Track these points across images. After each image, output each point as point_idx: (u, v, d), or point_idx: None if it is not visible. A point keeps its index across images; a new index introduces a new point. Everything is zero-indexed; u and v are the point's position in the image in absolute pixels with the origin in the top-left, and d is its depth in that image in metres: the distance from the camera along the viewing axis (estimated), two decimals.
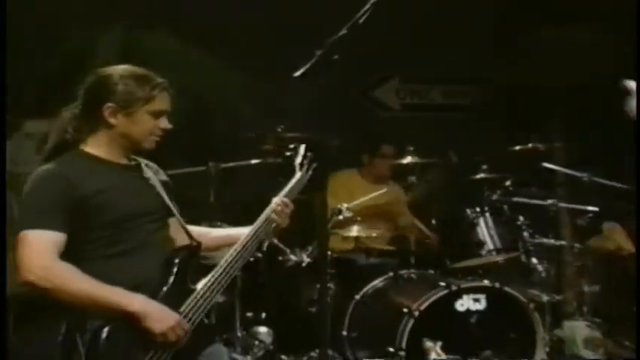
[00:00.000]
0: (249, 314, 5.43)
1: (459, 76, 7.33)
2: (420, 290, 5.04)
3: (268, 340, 5.27)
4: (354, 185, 5.91)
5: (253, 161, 5.33)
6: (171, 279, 2.95)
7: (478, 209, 5.47)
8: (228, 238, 3.30)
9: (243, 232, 3.20)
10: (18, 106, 4.68)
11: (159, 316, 2.81)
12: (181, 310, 2.90)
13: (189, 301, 2.92)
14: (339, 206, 5.29)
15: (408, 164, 5.63)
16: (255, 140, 5.30)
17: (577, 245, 5.90)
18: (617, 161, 5.88)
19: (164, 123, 3.02)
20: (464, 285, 5.01)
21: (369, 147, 6.11)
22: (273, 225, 3.25)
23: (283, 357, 5.32)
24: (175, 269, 2.97)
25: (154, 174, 3.14)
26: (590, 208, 5.73)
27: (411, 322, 4.78)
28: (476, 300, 4.98)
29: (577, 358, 5.45)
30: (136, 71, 3.01)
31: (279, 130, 5.03)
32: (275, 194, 3.57)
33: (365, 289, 5.36)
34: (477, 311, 4.97)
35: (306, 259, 5.38)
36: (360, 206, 5.49)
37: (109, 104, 2.92)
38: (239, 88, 6.11)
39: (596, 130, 6.51)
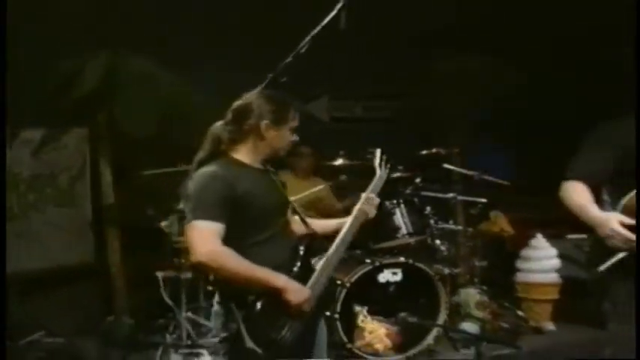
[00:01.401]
0: (210, 288, 5.30)
1: (377, 94, 7.33)
2: (350, 266, 5.14)
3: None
4: (290, 183, 6.01)
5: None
6: (299, 261, 3.08)
7: (395, 201, 5.51)
8: (334, 226, 3.34)
9: (344, 221, 3.31)
10: (16, 117, 4.71)
11: (297, 291, 2.95)
12: (308, 285, 3.03)
13: (312, 279, 3.06)
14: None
15: (339, 165, 5.69)
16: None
17: (470, 229, 6.14)
18: (500, 162, 6.29)
19: (295, 137, 3.20)
20: (384, 261, 5.16)
21: (299, 152, 5.98)
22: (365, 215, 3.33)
23: None
24: (301, 253, 3.10)
25: (275, 176, 3.25)
26: (480, 199, 5.96)
27: (344, 291, 4.94)
28: (394, 273, 5.17)
29: (470, 317, 5.58)
30: (278, 96, 3.19)
31: None
32: None
33: None
34: (395, 282, 5.18)
35: None
36: (303, 200, 5.54)
37: (266, 121, 3.08)
38: (210, 102, 6.13)
39: (485, 136, 6.90)
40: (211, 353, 4.87)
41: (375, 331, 4.97)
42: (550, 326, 5.87)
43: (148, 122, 5.25)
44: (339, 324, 4.90)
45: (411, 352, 5.07)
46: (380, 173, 3.51)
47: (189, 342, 5.06)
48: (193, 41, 5.75)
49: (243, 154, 3.12)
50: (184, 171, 5.05)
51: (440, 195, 5.92)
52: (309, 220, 3.31)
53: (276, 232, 3.10)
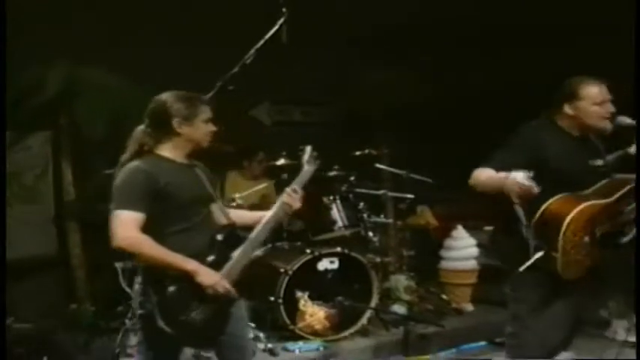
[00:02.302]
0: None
1: (314, 100, 7.38)
2: (292, 256, 5.18)
3: None
4: (236, 182, 5.94)
5: None
6: (216, 250, 3.10)
7: (332, 197, 5.55)
8: (255, 218, 3.31)
9: (265, 214, 3.28)
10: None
11: (207, 274, 2.99)
12: (223, 271, 3.07)
13: (228, 265, 3.10)
14: (232, 196, 5.37)
15: (281, 165, 5.68)
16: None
17: (399, 222, 6.18)
18: (426, 162, 6.25)
19: (212, 127, 3.16)
20: (323, 251, 5.18)
21: (248, 154, 6.12)
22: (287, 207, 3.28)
23: None
24: (218, 243, 3.12)
25: (201, 170, 3.22)
26: (408, 195, 5.96)
27: (286, 278, 4.97)
28: (331, 262, 5.20)
29: (399, 300, 5.63)
30: (185, 94, 3.15)
31: None
32: None
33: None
34: (332, 270, 5.20)
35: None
36: (251, 198, 5.63)
37: (177, 118, 3.07)
38: None
39: (413, 138, 6.93)
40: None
41: (316, 314, 4.99)
42: (469, 307, 5.94)
43: (105, 125, 5.20)
44: (282, 308, 4.93)
45: (348, 332, 5.09)
46: (307, 168, 3.43)
47: None
48: (145, 50, 5.74)
49: (166, 150, 3.12)
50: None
51: (372, 191, 5.94)
52: (231, 212, 3.32)
53: (197, 222, 3.10)
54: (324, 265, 5.19)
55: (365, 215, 5.71)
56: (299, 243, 5.56)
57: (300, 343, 4.89)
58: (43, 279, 5.59)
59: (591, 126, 3.51)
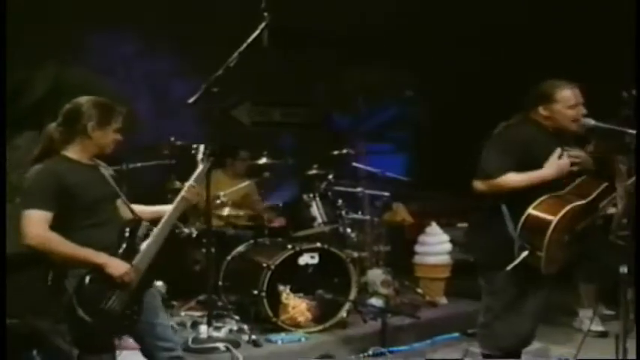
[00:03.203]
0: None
1: (292, 101, 7.43)
2: (274, 251, 5.24)
3: (163, 290, 5.33)
4: (219, 181, 5.92)
5: (153, 162, 5.52)
6: (124, 243, 3.27)
7: (311, 195, 5.59)
8: (158, 212, 3.49)
9: (168, 208, 3.45)
10: None
11: (115, 265, 3.17)
12: (133, 263, 3.23)
13: (138, 256, 3.27)
14: (216, 194, 5.47)
15: (263, 164, 5.77)
16: (155, 148, 5.46)
17: (375, 219, 6.19)
18: (399, 162, 6.53)
19: (119, 136, 3.34)
20: (304, 247, 5.24)
21: (230, 153, 6.18)
22: (187, 201, 3.44)
23: (174, 302, 5.49)
24: (126, 236, 3.29)
25: (105, 170, 3.39)
26: (384, 193, 6.10)
27: (269, 273, 5.04)
28: (312, 257, 5.25)
29: (376, 293, 5.67)
30: (104, 101, 3.30)
31: (172, 139, 5.31)
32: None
33: (234, 252, 5.53)
34: (313, 264, 5.26)
35: (195, 232, 5.62)
36: (230, 195, 5.70)
37: (92, 123, 3.21)
38: (146, 111, 6.09)
39: (388, 137, 7.13)
40: None
41: (297, 307, 5.06)
42: (443, 300, 6.02)
43: None
44: (265, 301, 5.01)
45: (328, 323, 5.18)
46: (202, 166, 3.61)
47: None
48: (131, 53, 5.82)
49: (72, 152, 3.25)
50: (125, 170, 5.25)
51: (350, 189, 6.04)
52: (134, 207, 3.45)
53: (104, 218, 3.25)
54: (304, 259, 5.26)
55: (343, 212, 5.81)
56: (280, 239, 5.63)
57: (283, 335, 4.97)
58: (27, 275, 5.62)
59: (564, 127, 3.65)
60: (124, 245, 3.28)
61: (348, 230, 5.90)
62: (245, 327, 5.00)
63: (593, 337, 4.93)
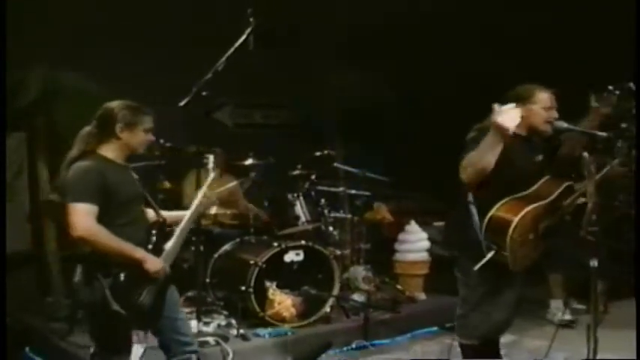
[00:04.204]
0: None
1: (273, 104, 7.52)
2: (260, 249, 5.36)
3: None
4: (203, 180, 6.16)
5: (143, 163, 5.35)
6: (152, 242, 3.45)
7: (295, 194, 5.72)
8: (177, 217, 3.68)
9: (185, 213, 3.68)
10: None
11: (153, 262, 3.35)
12: (160, 259, 3.41)
13: (164, 254, 3.45)
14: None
15: (249, 165, 5.80)
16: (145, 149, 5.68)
17: (356, 218, 6.29)
18: (380, 162, 6.52)
19: (150, 136, 3.52)
20: (289, 244, 5.36)
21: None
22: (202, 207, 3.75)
23: None
24: (154, 236, 3.46)
25: (132, 172, 3.56)
26: (365, 193, 6.20)
27: (256, 270, 5.16)
28: (297, 254, 5.38)
29: (358, 289, 5.83)
30: (132, 104, 3.47)
31: (161, 142, 5.28)
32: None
33: (221, 250, 5.63)
34: (298, 261, 5.39)
35: None
36: (220, 195, 5.61)
37: (120, 124, 3.40)
38: None
39: (368, 139, 7.19)
40: None
41: (283, 302, 5.16)
42: (422, 296, 6.15)
43: (81, 127, 5.38)
44: (253, 297, 5.12)
45: (313, 318, 5.30)
46: (214, 174, 3.93)
47: None
48: (121, 56, 5.87)
49: (108, 151, 3.42)
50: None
51: (332, 189, 6.14)
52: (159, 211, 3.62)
53: (134, 217, 3.41)
54: (290, 257, 5.38)
55: (326, 211, 5.94)
56: (265, 237, 5.72)
57: (270, 329, 5.08)
58: (20, 274, 5.70)
59: (537, 127, 3.77)
60: (152, 244, 3.44)
61: (331, 228, 6.00)
62: (233, 321, 5.10)
63: (564, 329, 5.04)
